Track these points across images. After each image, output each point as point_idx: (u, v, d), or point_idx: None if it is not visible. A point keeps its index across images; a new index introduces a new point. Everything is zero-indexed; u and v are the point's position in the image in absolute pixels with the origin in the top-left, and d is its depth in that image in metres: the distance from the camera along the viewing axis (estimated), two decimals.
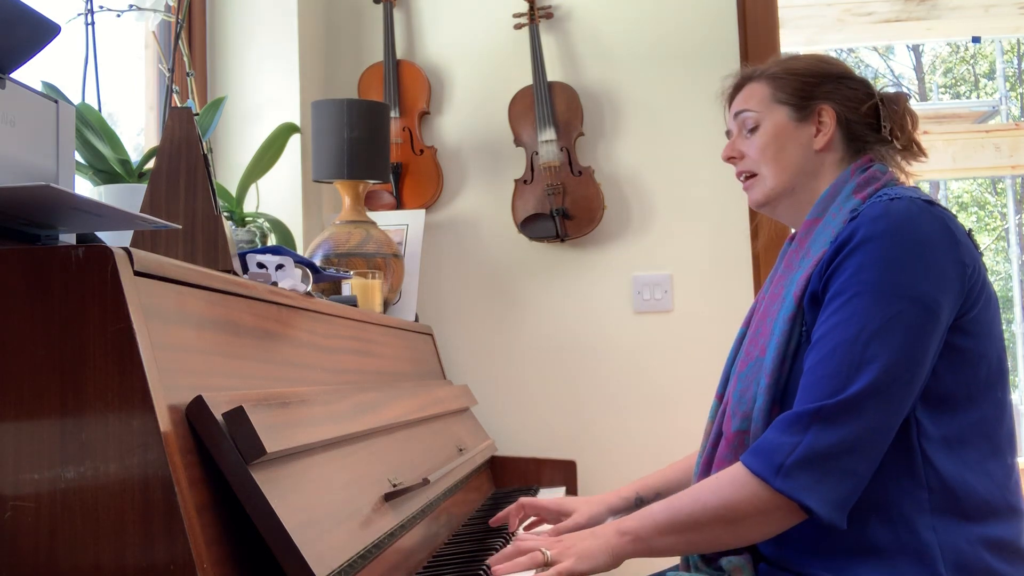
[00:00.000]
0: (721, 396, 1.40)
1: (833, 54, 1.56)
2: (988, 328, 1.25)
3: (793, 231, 1.45)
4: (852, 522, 1.19)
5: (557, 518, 1.54)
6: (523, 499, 1.58)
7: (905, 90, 1.45)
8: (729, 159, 1.47)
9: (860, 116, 1.39)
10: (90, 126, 1.70)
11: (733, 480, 1.20)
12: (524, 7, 2.64)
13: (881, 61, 13.00)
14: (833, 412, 1.15)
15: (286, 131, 2.26)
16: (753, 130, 1.43)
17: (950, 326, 1.21)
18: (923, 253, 1.20)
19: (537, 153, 2.57)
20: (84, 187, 1.73)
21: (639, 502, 1.59)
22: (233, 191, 2.19)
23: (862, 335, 1.17)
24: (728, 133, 1.50)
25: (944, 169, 6.86)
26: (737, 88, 1.49)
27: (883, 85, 1.47)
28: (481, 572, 1.28)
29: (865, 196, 1.31)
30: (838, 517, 1.15)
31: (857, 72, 1.46)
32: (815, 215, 1.36)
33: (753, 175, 1.44)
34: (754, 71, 1.47)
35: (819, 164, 1.39)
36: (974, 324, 1.23)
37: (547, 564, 1.24)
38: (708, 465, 1.34)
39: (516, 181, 2.60)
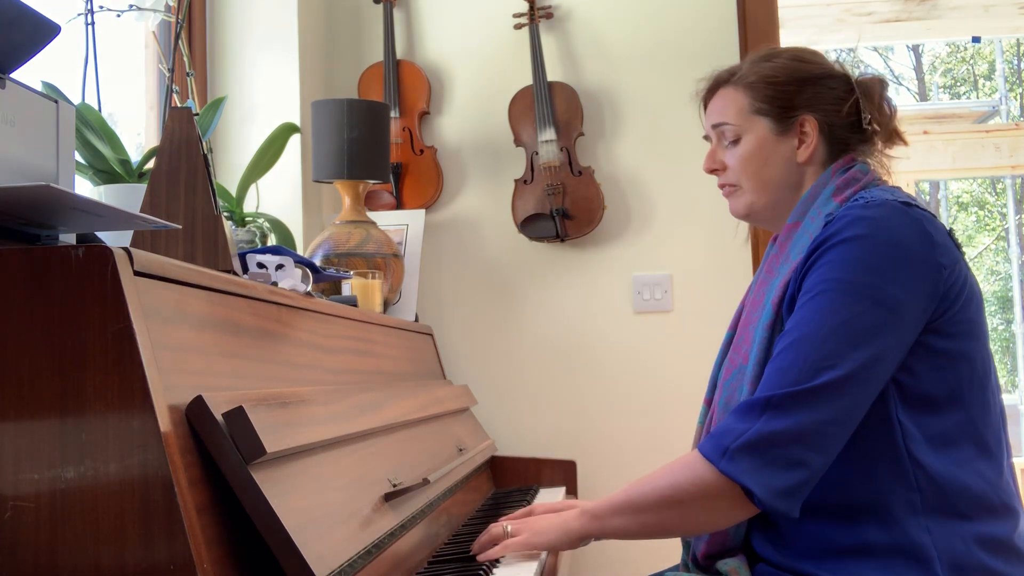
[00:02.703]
0: (709, 401, 1.40)
1: (833, 54, 1.50)
2: (970, 328, 1.24)
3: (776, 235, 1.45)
4: (848, 523, 1.20)
5: None
6: (532, 507, 1.58)
7: (880, 76, 1.40)
8: (711, 171, 1.45)
9: (842, 118, 1.37)
10: (90, 126, 1.70)
11: (684, 463, 1.22)
12: (524, 7, 2.64)
13: (881, 61, 13.00)
14: (784, 400, 1.16)
15: (286, 131, 2.26)
16: (735, 142, 1.40)
17: (928, 328, 1.21)
18: (895, 256, 1.20)
19: (537, 153, 2.57)
20: (84, 187, 1.73)
21: None
22: (233, 191, 2.19)
23: (823, 331, 1.18)
24: (706, 138, 1.47)
25: (944, 169, 6.86)
26: (711, 91, 1.46)
27: (859, 72, 1.41)
28: (481, 572, 1.28)
29: (844, 199, 1.30)
30: (783, 505, 1.14)
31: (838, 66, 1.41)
32: (795, 219, 1.35)
33: (736, 186, 1.42)
34: (730, 75, 1.43)
35: (801, 175, 1.38)
36: (954, 324, 1.22)
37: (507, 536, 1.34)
38: None
39: (516, 181, 2.60)
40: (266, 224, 2.17)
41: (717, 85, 1.45)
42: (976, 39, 6.26)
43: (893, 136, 1.39)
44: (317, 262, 2.13)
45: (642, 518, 1.25)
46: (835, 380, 1.16)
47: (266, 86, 2.48)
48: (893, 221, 1.21)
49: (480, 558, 1.34)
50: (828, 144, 1.37)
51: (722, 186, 1.44)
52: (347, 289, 2.06)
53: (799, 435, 1.15)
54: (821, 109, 1.37)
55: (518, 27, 2.64)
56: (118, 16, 1.85)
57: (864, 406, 1.19)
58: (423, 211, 2.53)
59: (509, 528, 1.35)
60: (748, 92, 1.39)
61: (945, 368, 1.22)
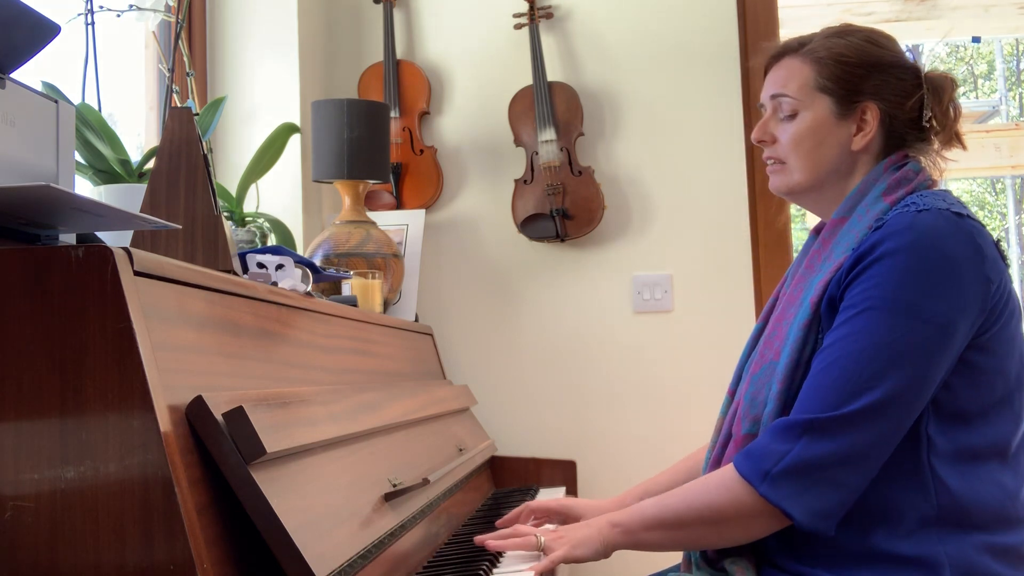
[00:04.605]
0: (733, 392, 1.37)
1: None
2: (1009, 345, 1.22)
3: (818, 220, 1.41)
4: (859, 530, 1.19)
5: (563, 520, 1.53)
6: (529, 503, 1.58)
7: (951, 75, 1.35)
8: (759, 142, 1.38)
9: (905, 112, 1.32)
10: (90, 126, 1.70)
11: (721, 483, 1.21)
12: (524, 7, 2.64)
13: None
14: (826, 424, 1.15)
15: (286, 131, 2.26)
16: (791, 116, 1.34)
17: (970, 344, 1.19)
18: (945, 271, 1.17)
19: (537, 153, 2.57)
20: (84, 187, 1.73)
21: None
22: (233, 191, 2.19)
23: (867, 351, 1.16)
24: (761, 107, 1.41)
25: (944, 169, 6.85)
26: (776, 58, 1.39)
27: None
28: (481, 572, 1.28)
29: (894, 200, 1.26)
30: (823, 526, 1.15)
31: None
32: (842, 214, 1.30)
33: (782, 162, 1.36)
34: (800, 45, 1.36)
35: (853, 164, 1.33)
36: (995, 341, 1.21)
37: (540, 548, 1.29)
38: (717, 464, 1.32)
39: (516, 181, 2.59)
40: (266, 224, 2.17)
41: (784, 53, 1.38)
42: (976, 39, 6.26)
43: (953, 139, 1.35)
44: (317, 262, 2.13)
45: (676, 534, 1.25)
46: (876, 403, 1.14)
47: (266, 86, 2.48)
48: (944, 232, 1.18)
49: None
50: (885, 136, 1.33)
51: (767, 159, 1.39)
52: (347, 289, 2.06)
53: (840, 459, 1.14)
54: (886, 99, 1.32)
55: (518, 27, 2.64)
56: (118, 16, 1.85)
57: (906, 426, 1.17)
58: (423, 211, 2.53)
59: (543, 540, 1.30)
60: (815, 66, 1.33)
61: (981, 384, 1.20)
